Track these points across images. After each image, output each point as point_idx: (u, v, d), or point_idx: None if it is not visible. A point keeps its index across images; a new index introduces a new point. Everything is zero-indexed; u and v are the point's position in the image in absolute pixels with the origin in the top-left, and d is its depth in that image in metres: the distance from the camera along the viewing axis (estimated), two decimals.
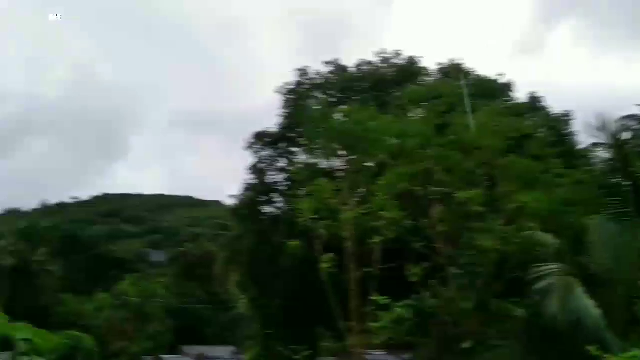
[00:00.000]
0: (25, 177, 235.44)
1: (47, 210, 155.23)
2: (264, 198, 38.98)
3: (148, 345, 64.27)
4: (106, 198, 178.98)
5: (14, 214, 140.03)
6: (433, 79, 36.34)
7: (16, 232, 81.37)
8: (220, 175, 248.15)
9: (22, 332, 5.10)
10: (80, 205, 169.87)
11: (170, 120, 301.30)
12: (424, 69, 38.32)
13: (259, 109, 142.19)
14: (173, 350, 66.28)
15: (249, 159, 38.84)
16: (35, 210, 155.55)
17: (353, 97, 36.21)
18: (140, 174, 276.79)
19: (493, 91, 33.37)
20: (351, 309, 23.41)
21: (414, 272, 21.76)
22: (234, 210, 41.11)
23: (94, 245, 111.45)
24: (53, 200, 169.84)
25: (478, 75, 36.19)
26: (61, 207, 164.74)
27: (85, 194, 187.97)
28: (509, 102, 32.65)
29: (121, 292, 70.97)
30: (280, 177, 38.55)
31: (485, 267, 20.81)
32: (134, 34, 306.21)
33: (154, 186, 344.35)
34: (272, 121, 39.08)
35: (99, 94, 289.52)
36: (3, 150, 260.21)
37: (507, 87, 35.92)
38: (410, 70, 38.07)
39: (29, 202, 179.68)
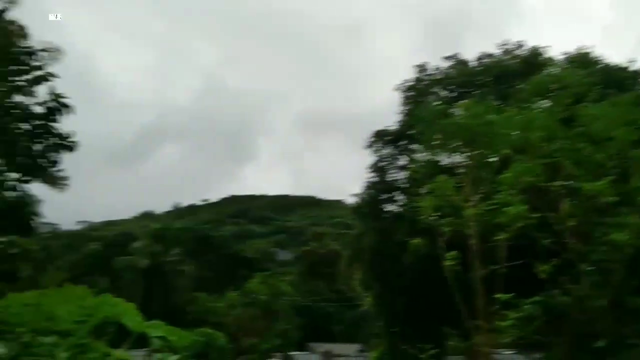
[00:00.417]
0: (158, 182, 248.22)
1: (178, 213, 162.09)
2: (385, 196, 38.91)
3: (277, 342, 65.71)
4: (233, 200, 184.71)
5: (147, 217, 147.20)
6: (559, 69, 35.00)
7: (150, 234, 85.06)
8: (342, 175, 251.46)
9: (157, 329, 5.38)
10: (210, 207, 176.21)
11: (294, 123, 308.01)
12: (549, 59, 36.88)
13: (380, 109, 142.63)
14: (301, 348, 67.41)
15: (370, 157, 38.98)
16: (167, 212, 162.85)
17: (474, 92, 35.45)
18: (266, 176, 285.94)
19: (622, 80, 31.69)
20: (477, 307, 23.05)
21: (543, 269, 21.15)
22: (356, 209, 41.25)
23: (223, 245, 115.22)
24: (184, 203, 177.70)
25: (606, 64, 34.48)
26: (191, 209, 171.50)
27: (214, 197, 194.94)
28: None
29: (250, 290, 72.86)
30: (401, 175, 38.34)
31: (620, 262, 19.90)
32: (258, 40, 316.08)
33: (278, 187, 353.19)
34: (392, 119, 39.01)
35: (227, 100, 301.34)
36: (139, 157, 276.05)
37: (637, 75, 34.00)
38: (534, 61, 36.74)
39: (162, 206, 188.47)
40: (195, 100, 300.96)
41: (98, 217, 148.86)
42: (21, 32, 10.94)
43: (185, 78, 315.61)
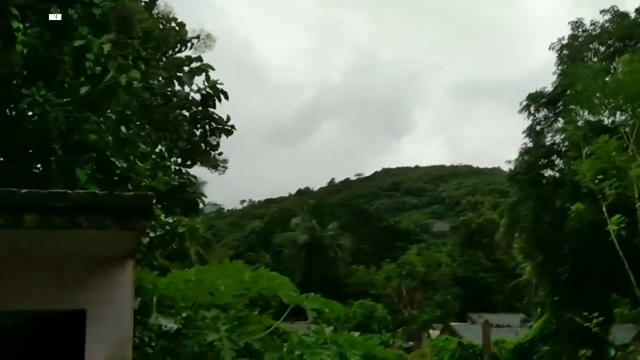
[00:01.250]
0: (316, 159, 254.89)
1: (334, 188, 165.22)
2: (543, 161, 37.78)
3: (436, 313, 65.72)
4: (387, 173, 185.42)
5: (305, 194, 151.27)
6: None
7: (308, 209, 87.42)
8: (498, 142, 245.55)
9: (312, 302, 5.58)
10: (364, 181, 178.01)
11: (449, 93, 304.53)
12: None
13: (536, 72, 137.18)
14: (461, 318, 67.00)
15: (525, 122, 37.95)
16: (323, 188, 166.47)
17: (635, 45, 33.44)
18: (421, 148, 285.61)
19: None
20: None
21: None
22: (513, 176, 40.25)
23: (379, 218, 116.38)
24: (340, 178, 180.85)
25: None
26: (346, 184, 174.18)
27: (368, 171, 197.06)
28: None
29: (407, 261, 73.25)
30: (559, 138, 36.99)
31: None
32: (409, 12, 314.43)
33: (434, 158, 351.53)
34: (548, 81, 37.71)
35: (381, 74, 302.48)
36: (297, 136, 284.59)
37: None
38: None
39: (320, 182, 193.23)
40: (349, 77, 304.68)
41: (260, 195, 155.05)
42: (175, 21, 11.58)
43: (338, 55, 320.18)
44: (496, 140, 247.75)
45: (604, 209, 23.39)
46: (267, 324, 6.56)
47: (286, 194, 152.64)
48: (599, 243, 25.72)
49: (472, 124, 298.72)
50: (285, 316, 6.84)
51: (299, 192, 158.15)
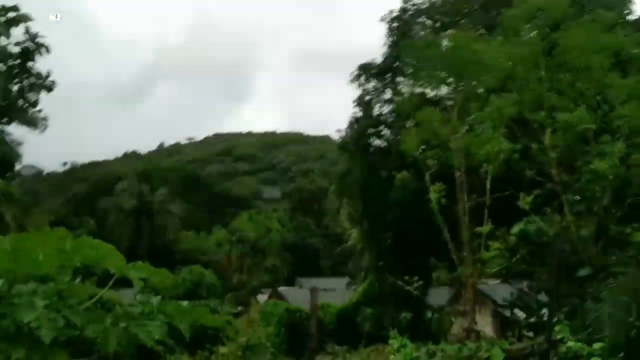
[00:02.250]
0: (151, 122, 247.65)
1: (164, 152, 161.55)
2: (371, 131, 38.72)
3: (266, 279, 66.50)
4: (219, 138, 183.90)
5: (132, 157, 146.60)
6: None
7: (136, 174, 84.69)
8: (332, 112, 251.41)
9: (139, 271, 5.30)
10: (195, 145, 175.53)
11: (290, 60, 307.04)
12: None
13: (374, 44, 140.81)
14: (290, 283, 68.34)
15: (356, 92, 38.61)
16: (153, 152, 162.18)
17: (461, 21, 34.97)
18: (258, 114, 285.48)
19: (611, 3, 30.98)
20: (463, 239, 23.27)
21: (526, 200, 21.32)
22: (342, 145, 41.13)
23: (210, 184, 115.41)
24: (171, 142, 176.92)
25: None
26: (176, 148, 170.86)
27: (201, 135, 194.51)
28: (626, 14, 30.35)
29: (238, 227, 73.26)
30: (386, 109, 38.11)
31: (604, 192, 20.02)
32: None
33: (271, 125, 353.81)
34: (379, 53, 38.48)
35: (223, 37, 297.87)
36: (134, 96, 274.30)
37: None
38: None
39: (151, 146, 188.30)
40: (190, 38, 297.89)
41: (87, 158, 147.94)
42: None
43: (180, 17, 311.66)
44: (331, 110, 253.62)
45: (427, 178, 24.52)
46: (91, 293, 6.15)
47: (112, 157, 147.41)
48: (422, 211, 26.96)
49: (310, 92, 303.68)
50: (111, 285, 6.47)
51: (126, 155, 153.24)
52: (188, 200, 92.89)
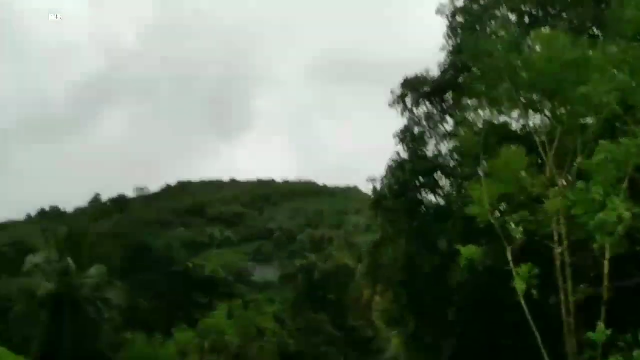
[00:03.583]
0: (83, 165, 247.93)
1: (98, 209, 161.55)
2: (422, 180, 38.57)
3: None
4: (186, 188, 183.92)
5: (51, 217, 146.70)
6: None
7: (57, 242, 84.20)
8: (360, 151, 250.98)
9: None
10: (148, 199, 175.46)
11: (297, 74, 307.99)
12: None
13: (423, 50, 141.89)
14: None
15: (399, 121, 38.48)
16: (80, 209, 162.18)
17: (561, 14, 34.87)
18: (247, 152, 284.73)
19: None
20: (566, 349, 23.08)
21: None
22: (377, 201, 40.84)
23: (170, 259, 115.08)
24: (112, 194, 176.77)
25: None
26: (119, 203, 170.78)
27: (156, 185, 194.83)
28: None
29: (213, 328, 72.93)
30: (446, 147, 38.05)
31: None
32: None
33: (264, 169, 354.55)
34: (433, 62, 38.28)
35: (203, 38, 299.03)
36: (69, 127, 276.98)
37: None
38: None
39: (80, 200, 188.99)
40: (151, 41, 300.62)
41: None
42: None
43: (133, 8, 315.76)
44: (360, 148, 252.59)
45: (508, 254, 24.36)
46: None
47: (23, 217, 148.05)
48: (500, 306, 26.73)
49: (328, 120, 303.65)
50: None
51: (43, 213, 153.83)
52: (135, 283, 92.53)
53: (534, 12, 36.69)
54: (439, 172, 38.32)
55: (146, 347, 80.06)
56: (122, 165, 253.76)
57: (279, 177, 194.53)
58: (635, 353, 21.57)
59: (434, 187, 38.74)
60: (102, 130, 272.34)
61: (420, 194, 38.82)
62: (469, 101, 33.86)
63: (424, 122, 38.27)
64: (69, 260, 77.05)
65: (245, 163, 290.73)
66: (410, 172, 38.07)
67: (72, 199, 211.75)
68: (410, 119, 38.11)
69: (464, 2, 37.83)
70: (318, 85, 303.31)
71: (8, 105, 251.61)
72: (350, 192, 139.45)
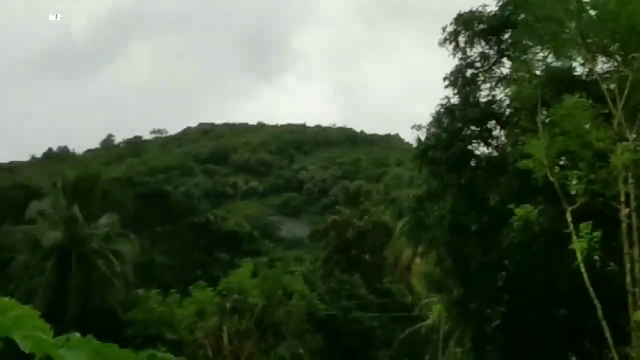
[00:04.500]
0: (95, 101, 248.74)
1: (111, 153, 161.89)
2: (473, 130, 38.44)
3: None
4: (208, 132, 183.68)
5: (58, 159, 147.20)
6: None
7: (64, 187, 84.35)
8: (402, 95, 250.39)
9: (79, 352, 5.07)
10: (165, 144, 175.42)
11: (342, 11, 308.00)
12: None
13: None
14: None
15: (450, 62, 38.33)
16: (89, 151, 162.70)
17: None
18: (282, 94, 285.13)
19: None
20: (631, 323, 23.03)
21: None
22: (423, 152, 40.74)
23: (189, 209, 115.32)
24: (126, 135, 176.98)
25: None
26: (133, 146, 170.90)
27: (176, 127, 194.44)
28: None
29: (235, 287, 73.15)
30: (502, 93, 37.87)
31: None
32: None
33: (298, 113, 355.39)
34: None
35: None
36: (86, 63, 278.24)
37: None
38: None
39: (91, 142, 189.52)
40: None
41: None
42: None
43: None
44: (402, 92, 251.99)
45: (568, 216, 24.29)
46: None
47: (27, 158, 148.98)
48: (557, 272, 26.68)
49: (370, 59, 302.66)
50: None
51: (49, 155, 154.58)
52: (149, 235, 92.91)
53: None
54: (492, 121, 38.17)
55: (161, 305, 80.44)
56: (142, 106, 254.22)
57: (310, 121, 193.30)
58: None
59: (486, 137, 38.60)
60: (125, 68, 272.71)
61: (471, 144, 38.67)
62: (529, 42, 33.64)
63: (478, 64, 38.12)
64: (77, 208, 77.21)
65: (279, 108, 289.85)
66: (460, 119, 37.94)
67: (83, 141, 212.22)
68: (462, 60, 37.93)
69: None
70: (365, 23, 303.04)
71: (30, 40, 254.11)
72: (392, 141, 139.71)
